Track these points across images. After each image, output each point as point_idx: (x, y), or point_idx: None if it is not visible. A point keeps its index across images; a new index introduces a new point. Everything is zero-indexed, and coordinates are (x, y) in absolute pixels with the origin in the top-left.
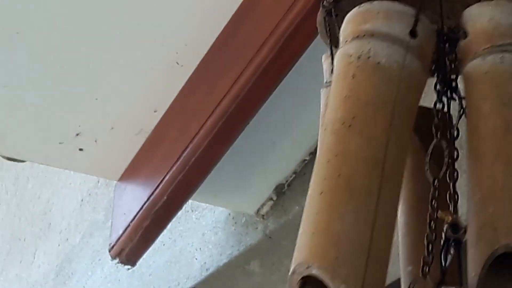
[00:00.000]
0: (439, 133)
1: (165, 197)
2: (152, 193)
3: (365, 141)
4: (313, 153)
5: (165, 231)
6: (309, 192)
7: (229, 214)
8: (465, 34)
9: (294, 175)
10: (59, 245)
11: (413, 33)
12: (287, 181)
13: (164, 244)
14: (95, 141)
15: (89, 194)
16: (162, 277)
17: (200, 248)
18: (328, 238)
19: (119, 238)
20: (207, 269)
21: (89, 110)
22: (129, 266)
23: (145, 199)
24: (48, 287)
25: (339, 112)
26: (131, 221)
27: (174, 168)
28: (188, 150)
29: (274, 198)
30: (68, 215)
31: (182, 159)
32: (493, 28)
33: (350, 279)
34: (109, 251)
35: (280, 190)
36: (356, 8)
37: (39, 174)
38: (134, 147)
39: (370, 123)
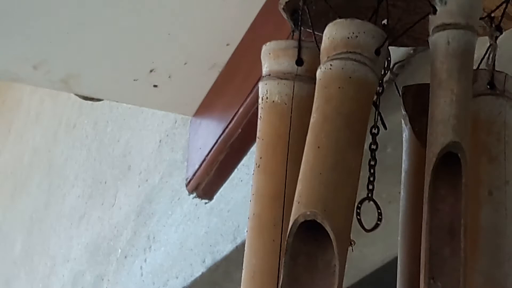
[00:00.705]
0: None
1: (239, 130)
2: (227, 127)
3: (267, 178)
4: None
5: (242, 167)
6: None
7: None
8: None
9: None
10: (139, 186)
11: (298, 62)
12: None
13: (241, 180)
14: (169, 77)
15: (167, 135)
16: (240, 212)
17: None
18: (246, 272)
19: (195, 173)
20: None
21: (162, 45)
22: (206, 200)
23: (220, 132)
24: (129, 227)
25: (256, 154)
26: (207, 155)
27: (248, 100)
28: None
29: None
30: (147, 157)
31: (255, 91)
32: (329, 43)
33: None
34: (186, 186)
35: None
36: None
37: (117, 118)
38: (208, 82)
39: (270, 160)
